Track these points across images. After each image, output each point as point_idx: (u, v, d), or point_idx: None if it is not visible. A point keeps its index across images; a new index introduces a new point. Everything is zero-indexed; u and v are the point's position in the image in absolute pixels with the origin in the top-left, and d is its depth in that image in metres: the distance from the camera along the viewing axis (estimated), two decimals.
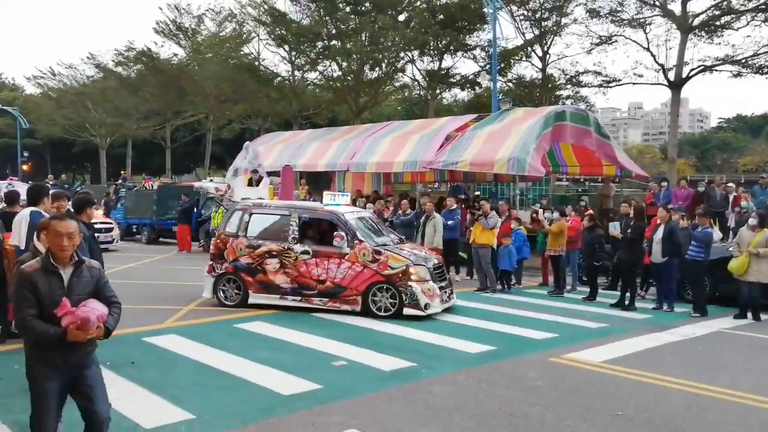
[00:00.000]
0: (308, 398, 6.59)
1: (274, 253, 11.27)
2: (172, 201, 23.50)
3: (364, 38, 32.67)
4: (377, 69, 33.83)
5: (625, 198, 17.19)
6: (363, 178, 23.54)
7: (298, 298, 11.09)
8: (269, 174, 22.44)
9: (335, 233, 11.02)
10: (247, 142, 24.03)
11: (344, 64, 33.66)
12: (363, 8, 33.01)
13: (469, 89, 36.25)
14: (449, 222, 15.24)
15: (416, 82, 36.96)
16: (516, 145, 17.14)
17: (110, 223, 21.93)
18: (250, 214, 11.78)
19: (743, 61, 25.31)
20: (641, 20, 26.24)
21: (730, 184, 18.98)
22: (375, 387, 7.01)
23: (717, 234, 15.90)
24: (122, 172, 44.90)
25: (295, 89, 36.88)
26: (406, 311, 10.50)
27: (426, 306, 10.54)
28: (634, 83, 27.90)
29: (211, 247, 12.28)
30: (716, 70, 26.11)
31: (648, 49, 26.12)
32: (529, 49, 32.34)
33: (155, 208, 24.08)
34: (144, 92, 44.48)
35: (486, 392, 6.93)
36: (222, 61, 38.54)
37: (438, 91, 36.37)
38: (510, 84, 34.98)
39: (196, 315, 10.81)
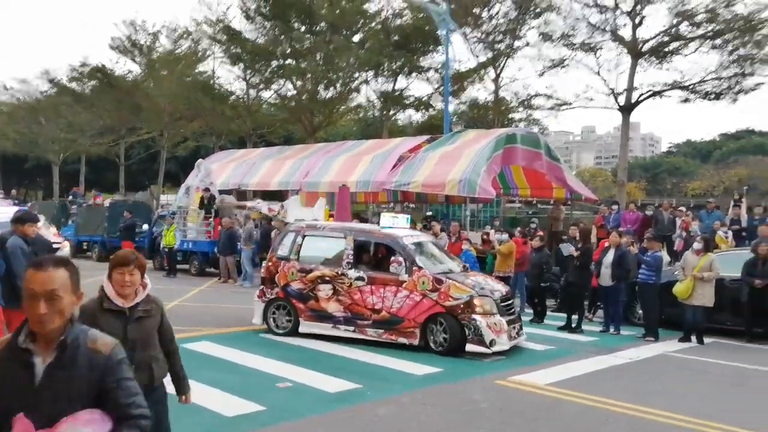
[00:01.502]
0: (251, 420, 6.49)
1: (327, 278, 10.46)
2: (123, 218, 23.06)
3: (318, 58, 32.81)
4: (332, 89, 33.97)
5: (574, 221, 17.50)
6: (316, 197, 23.47)
7: (352, 328, 10.22)
8: (221, 192, 22.29)
9: (392, 258, 10.11)
10: (200, 160, 23.87)
11: (299, 83, 33.76)
12: (318, 28, 33.19)
13: (423, 110, 36.67)
14: None
15: (371, 103, 37.23)
16: (467, 167, 17.35)
17: (58, 242, 21.36)
18: (303, 236, 11.07)
19: (690, 87, 26.11)
20: (592, 45, 26.88)
21: (681, 208, 19.46)
22: (319, 409, 6.93)
23: (665, 258, 16.29)
24: (74, 188, 43.87)
25: (249, 107, 36.78)
26: (470, 347, 9.47)
27: (492, 342, 9.47)
28: (585, 107, 28.89)
29: (263, 271, 11.70)
30: (665, 95, 26.86)
31: (599, 74, 26.78)
32: (482, 71, 32.86)
33: (106, 225, 23.60)
34: (98, 108, 43.74)
35: (430, 415, 6.91)
36: (177, 79, 38.21)
37: (392, 112, 36.68)
38: (463, 106, 35.45)
39: None
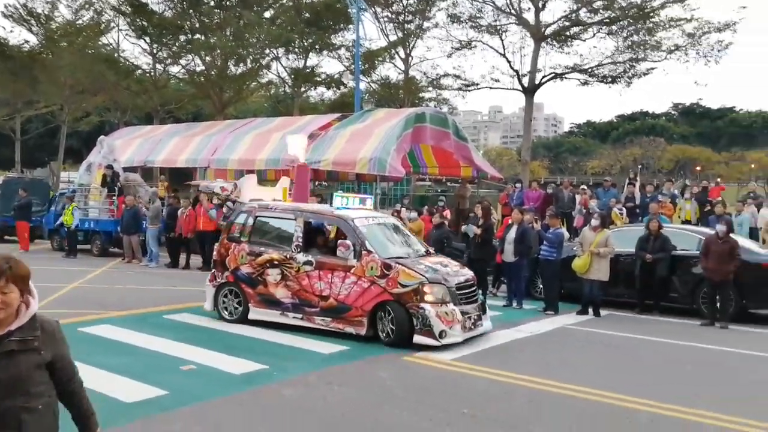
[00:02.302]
0: (151, 405, 6.33)
1: (276, 262, 9.87)
2: (18, 197, 21.88)
3: (228, 33, 32.03)
4: (242, 65, 33.28)
5: (479, 199, 17.94)
6: (225, 175, 23.02)
7: (300, 315, 9.64)
8: (126, 170, 21.50)
9: (339, 241, 9.45)
10: (102, 137, 22.89)
11: (208, 58, 32.86)
12: (228, 3, 32.38)
13: (335, 89, 36.51)
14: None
15: (282, 80, 36.72)
16: (377, 146, 17.42)
17: None
18: (255, 218, 10.41)
19: (589, 70, 27.15)
20: (498, 27, 27.45)
21: (583, 186, 20.30)
22: (223, 391, 6.85)
23: (565, 234, 16.97)
24: None
25: (156, 82, 35.53)
26: (417, 339, 8.74)
27: (442, 334, 8.71)
28: (491, 87, 29.16)
29: (214, 254, 10.87)
30: (566, 78, 27.79)
31: (504, 56, 27.37)
32: (393, 50, 32.97)
33: None
34: None
35: (336, 394, 6.96)
36: (78, 51, 36.33)
37: (303, 90, 36.34)
38: (374, 85, 35.51)
39: None
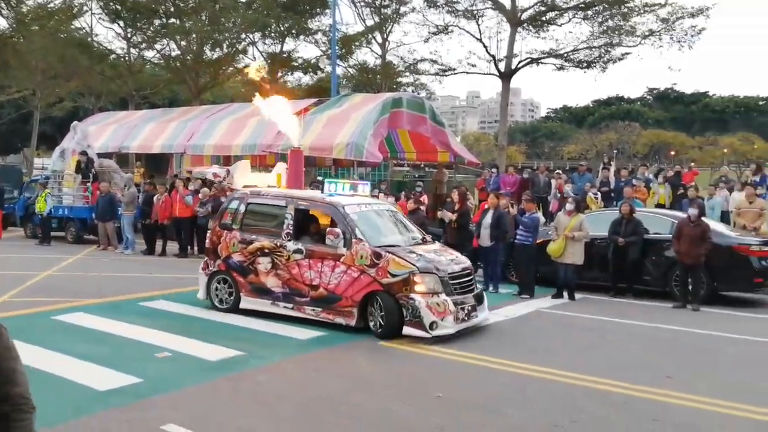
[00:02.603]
0: (126, 393, 6.31)
1: (267, 250, 9.65)
2: None
3: (204, 18, 31.64)
4: (218, 50, 32.93)
5: (456, 184, 17.99)
6: (202, 160, 22.84)
7: (290, 305, 9.42)
8: (99, 156, 21.24)
9: (328, 229, 9.16)
10: (75, 122, 22.59)
11: (183, 43, 32.45)
12: None
13: (312, 74, 36.27)
14: None
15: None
16: (354, 131, 17.39)
17: None
18: (247, 204, 10.20)
19: (565, 55, 27.27)
20: (474, 12, 27.44)
21: (558, 171, 20.45)
22: (199, 378, 6.85)
23: (540, 218, 17.10)
24: None
25: (131, 67, 35.00)
26: (407, 330, 8.49)
27: (433, 325, 8.41)
28: (467, 72, 29.16)
29: (207, 241, 10.69)
30: (542, 63, 27.91)
31: (480, 40, 27.39)
32: (370, 35, 32.82)
33: None
34: None
35: (313, 379, 6.98)
36: (50, 35, 35.64)
37: (280, 75, 36.05)
38: (352, 70, 35.35)
39: (9, 307, 9.97)
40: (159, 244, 17.25)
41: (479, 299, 9.41)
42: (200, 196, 16.60)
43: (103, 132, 23.85)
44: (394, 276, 8.62)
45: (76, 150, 20.54)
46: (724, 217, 14.82)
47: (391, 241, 9.29)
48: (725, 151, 68.19)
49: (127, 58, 35.36)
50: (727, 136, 72.68)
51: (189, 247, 16.96)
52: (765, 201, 14.36)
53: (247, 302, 9.86)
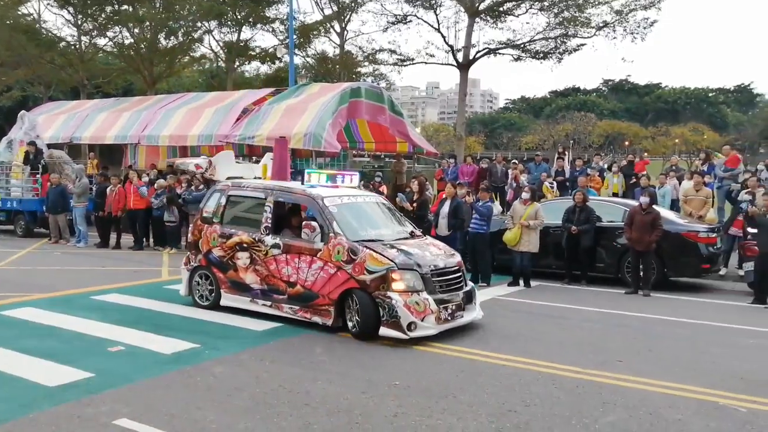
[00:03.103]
0: (77, 389, 6.19)
1: (245, 245, 9.24)
2: None
3: (157, 5, 31.03)
4: (172, 38, 32.33)
5: (415, 174, 18.05)
6: (158, 151, 22.45)
7: (269, 302, 9.02)
8: (49, 147, 20.71)
9: (304, 222, 8.74)
10: (23, 112, 21.98)
11: (136, 30, 31.78)
12: None
13: (270, 63, 35.90)
14: None
15: (215, 54, 35.89)
16: (312, 121, 17.26)
17: None
18: (228, 197, 9.79)
19: (522, 45, 27.54)
20: (433, 1, 27.48)
21: (514, 161, 20.68)
22: (153, 372, 6.75)
23: (497, 208, 17.30)
24: None
25: (82, 55, 34.11)
26: (383, 331, 7.97)
27: (411, 326, 7.88)
28: (426, 62, 29.22)
29: (189, 235, 10.32)
30: (499, 53, 28.14)
31: (439, 30, 27.47)
32: (328, 24, 32.62)
33: None
34: None
35: (269, 370, 6.95)
36: None
37: (237, 64, 35.61)
38: (310, 60, 35.13)
39: None
40: (113, 236, 16.92)
41: (468, 297, 8.84)
42: (155, 187, 16.32)
43: (53, 122, 23.23)
44: (370, 273, 8.10)
45: (24, 140, 20.02)
46: (674, 205, 15.17)
47: (374, 236, 8.73)
48: (676, 141, 69.79)
49: (77, 46, 34.45)
50: (679, 127, 74.38)
51: (144, 240, 16.68)
52: (711, 189, 14.76)
53: (227, 299, 9.48)
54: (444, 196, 13.17)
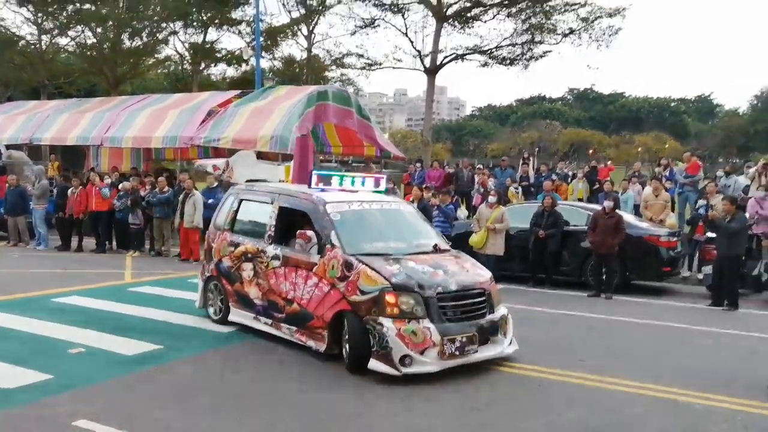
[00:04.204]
0: (35, 390, 6.07)
1: (250, 255, 8.42)
2: None
3: (121, 4, 30.60)
4: (137, 39, 31.92)
5: None
6: (121, 153, 22.11)
7: (269, 321, 8.08)
8: (8, 147, 20.26)
9: (299, 232, 7.62)
10: None
11: (99, 30, 31.27)
12: None
13: (236, 66, 35.68)
14: (210, 200, 14.91)
15: (180, 56, 35.52)
16: (279, 123, 17.13)
17: None
18: (239, 202, 9.07)
19: (489, 51, 27.82)
20: (401, 6, 27.60)
21: (479, 166, 20.88)
22: (114, 373, 6.65)
23: (464, 212, 17.43)
24: None
25: (42, 55, 33.50)
26: (372, 364, 6.66)
27: (404, 360, 6.54)
28: (394, 67, 29.31)
29: (205, 243, 9.66)
30: (467, 59, 28.37)
31: (406, 35, 27.59)
32: (296, 27, 32.55)
33: None
34: None
35: (233, 370, 6.90)
36: None
37: (203, 66, 35.29)
38: (277, 62, 35.04)
39: None
40: (75, 239, 16.60)
41: (493, 328, 7.29)
42: (119, 189, 16.07)
43: (11, 122, 22.70)
44: (363, 293, 6.87)
45: None
46: (637, 211, 15.42)
47: (380, 249, 7.46)
48: (639, 149, 71.09)
49: (38, 45, 33.82)
50: (642, 136, 75.81)
51: (107, 243, 16.39)
52: (672, 195, 15.06)
53: (234, 314, 8.68)
54: (411, 198, 13.24)
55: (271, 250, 8.13)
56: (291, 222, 8.21)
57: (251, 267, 8.38)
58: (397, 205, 8.77)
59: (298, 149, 8.82)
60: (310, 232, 7.52)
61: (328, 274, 7.29)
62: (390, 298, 6.73)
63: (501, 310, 7.57)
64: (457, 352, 6.81)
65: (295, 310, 7.67)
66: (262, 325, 8.22)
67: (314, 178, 8.43)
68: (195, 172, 16.78)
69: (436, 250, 7.91)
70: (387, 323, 6.65)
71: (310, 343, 7.43)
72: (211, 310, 9.09)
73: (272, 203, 8.45)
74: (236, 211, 9.03)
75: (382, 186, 8.74)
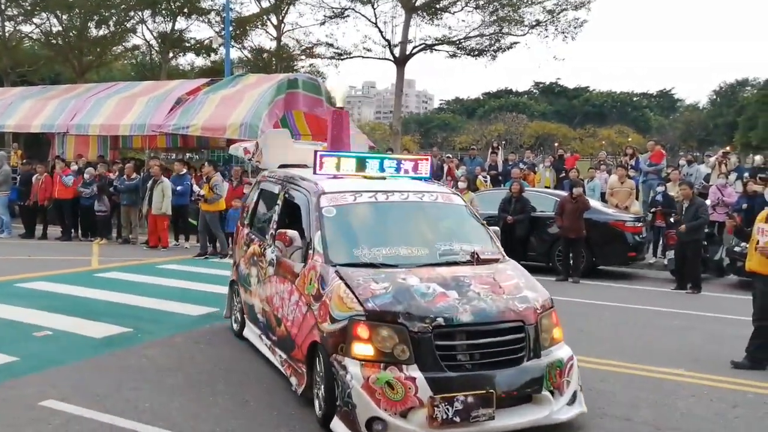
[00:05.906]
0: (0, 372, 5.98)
1: (255, 257, 6.98)
2: None
3: None
4: (104, 27, 31.33)
5: None
6: (87, 141, 21.73)
7: (269, 342, 6.45)
8: None
9: (278, 231, 6.00)
10: None
11: (65, 17, 30.63)
12: None
13: (205, 55, 35.25)
14: (178, 188, 14.78)
15: (148, 45, 34.98)
16: (248, 111, 17.04)
17: None
18: (259, 192, 7.65)
19: (457, 42, 27.92)
20: None
21: (447, 155, 21.00)
22: (83, 355, 6.59)
23: None
24: None
25: (5, 42, 32.71)
26: (334, 425, 4.77)
27: (372, 424, 4.53)
28: (363, 57, 29.21)
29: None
30: (435, 50, 28.40)
31: (376, 25, 27.52)
32: (265, 17, 32.26)
33: None
34: None
35: (204, 351, 6.88)
36: None
37: (171, 55, 34.80)
38: (246, 53, 34.70)
39: None
40: (39, 227, 16.31)
41: (528, 382, 4.94)
42: (85, 176, 15.82)
43: None
44: (333, 321, 4.95)
45: None
46: (603, 198, 15.65)
47: (381, 257, 5.44)
48: (603, 143, 72.02)
49: (1, 32, 33.03)
50: (605, 129, 76.74)
51: (72, 230, 16.13)
52: (636, 183, 15.31)
53: (247, 328, 7.24)
54: None
55: (269, 253, 6.48)
56: (298, 218, 6.24)
57: (256, 273, 6.91)
58: (436, 196, 6.36)
59: (331, 125, 7.09)
60: (291, 232, 5.80)
61: (305, 289, 5.49)
62: (361, 331, 4.74)
63: (555, 354, 5.30)
64: (457, 418, 4.57)
65: (282, 333, 6.00)
66: (263, 346, 6.61)
67: (318, 159, 6.27)
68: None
69: (474, 259, 5.68)
70: (352, 368, 4.67)
71: (292, 378, 5.66)
72: (233, 320, 7.71)
73: (279, 194, 6.85)
74: (256, 203, 7.64)
75: (424, 171, 6.67)
